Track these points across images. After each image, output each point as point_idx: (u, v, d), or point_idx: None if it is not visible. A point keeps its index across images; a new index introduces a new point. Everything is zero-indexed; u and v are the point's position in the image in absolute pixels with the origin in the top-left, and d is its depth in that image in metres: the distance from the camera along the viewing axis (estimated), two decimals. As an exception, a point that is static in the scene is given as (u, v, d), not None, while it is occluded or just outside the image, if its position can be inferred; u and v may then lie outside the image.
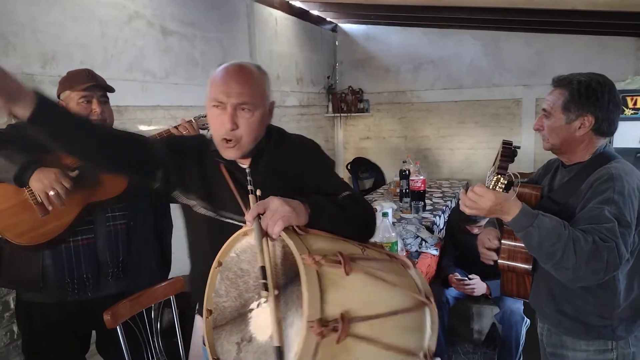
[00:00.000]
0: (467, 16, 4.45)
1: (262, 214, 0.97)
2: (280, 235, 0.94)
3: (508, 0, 3.86)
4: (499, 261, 1.46)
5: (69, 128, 1.11)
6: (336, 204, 1.12)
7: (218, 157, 1.26)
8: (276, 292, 0.87)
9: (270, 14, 4.47)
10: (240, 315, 0.99)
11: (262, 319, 0.93)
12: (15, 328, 2.20)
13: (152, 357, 1.82)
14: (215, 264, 1.05)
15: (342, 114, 5.86)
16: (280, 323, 0.84)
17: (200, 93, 3.97)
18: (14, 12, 2.19)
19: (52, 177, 1.56)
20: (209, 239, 1.26)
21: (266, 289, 0.85)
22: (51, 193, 1.55)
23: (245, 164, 1.28)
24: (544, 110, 1.48)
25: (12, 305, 2.19)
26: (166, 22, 3.18)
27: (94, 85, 1.72)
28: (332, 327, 0.79)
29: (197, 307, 1.56)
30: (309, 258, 0.84)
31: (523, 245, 1.36)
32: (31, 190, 1.60)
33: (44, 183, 1.55)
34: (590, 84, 1.39)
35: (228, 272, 1.04)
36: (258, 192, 1.07)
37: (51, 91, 2.32)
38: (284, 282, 0.90)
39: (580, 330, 1.43)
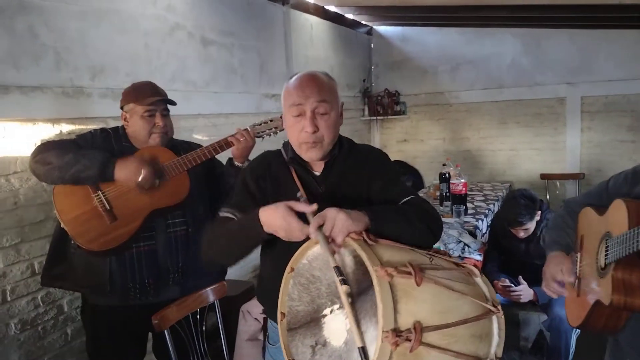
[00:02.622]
0: (506, 15, 4.34)
1: (322, 225, 1.03)
2: (344, 243, 1.00)
3: (550, -3, 3.74)
4: (614, 297, 1.23)
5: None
6: (398, 211, 1.15)
7: (292, 163, 1.32)
8: (349, 299, 0.91)
9: (305, 20, 4.51)
10: (314, 320, 1.04)
11: (335, 325, 0.98)
12: (69, 330, 2.30)
13: (198, 359, 1.87)
14: (288, 269, 1.11)
15: (378, 117, 5.82)
16: (359, 324, 0.89)
17: (239, 101, 4.06)
18: (65, 28, 2.30)
19: (135, 164, 1.67)
20: (277, 245, 1.29)
21: (346, 284, 0.90)
22: (143, 174, 1.65)
23: (317, 171, 1.33)
24: None
25: (66, 309, 2.29)
26: (206, 33, 3.26)
27: (158, 100, 1.79)
28: (406, 336, 0.83)
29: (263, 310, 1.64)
30: (381, 270, 0.87)
31: None
32: (100, 197, 1.69)
33: (128, 171, 1.66)
34: None
35: (300, 277, 1.09)
36: (314, 207, 1.09)
37: (100, 102, 2.43)
38: (356, 291, 0.94)
39: None
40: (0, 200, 2.05)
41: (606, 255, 1.29)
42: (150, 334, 1.96)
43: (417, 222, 1.14)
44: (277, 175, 1.34)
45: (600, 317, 1.32)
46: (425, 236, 1.14)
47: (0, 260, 2.05)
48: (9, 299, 2.07)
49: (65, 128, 2.29)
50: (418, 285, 0.89)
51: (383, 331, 0.81)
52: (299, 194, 1.19)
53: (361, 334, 0.88)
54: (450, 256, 1.11)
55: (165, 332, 1.70)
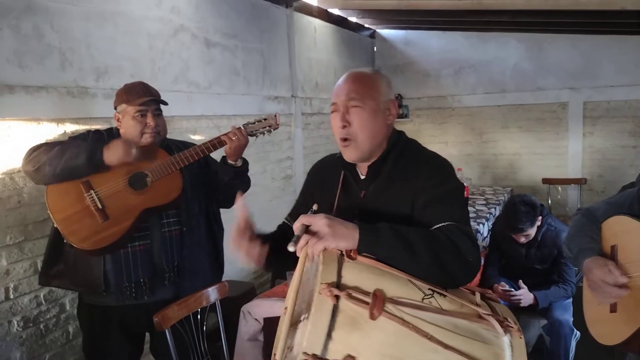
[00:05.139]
0: (508, 19, 4.36)
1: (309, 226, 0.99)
2: (318, 256, 0.93)
3: (553, 3, 3.75)
4: None
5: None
6: (406, 239, 0.99)
7: (340, 164, 1.31)
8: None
9: (309, 23, 4.53)
10: (297, 322, 1.00)
11: (299, 333, 0.92)
12: (70, 329, 2.32)
13: (199, 359, 1.87)
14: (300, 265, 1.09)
15: (381, 121, 5.83)
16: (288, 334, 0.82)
17: (242, 102, 4.06)
18: (70, 29, 2.32)
19: (122, 144, 1.68)
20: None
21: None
22: (133, 153, 1.67)
23: (364, 174, 1.29)
24: None
25: (68, 307, 2.31)
26: (209, 34, 3.28)
27: (149, 100, 1.80)
28: None
29: None
30: (326, 289, 0.79)
31: None
32: (92, 196, 1.70)
33: (118, 152, 1.67)
34: None
35: (304, 276, 1.06)
36: (314, 207, 1.08)
37: (104, 103, 2.45)
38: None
39: None
40: (4, 198, 2.07)
41: None
42: (147, 335, 1.97)
43: (428, 257, 0.98)
44: (326, 180, 1.35)
45: None
46: (434, 275, 0.97)
47: (4, 258, 2.07)
48: (11, 296, 2.09)
49: (70, 128, 2.31)
50: (373, 318, 0.77)
51: (304, 352, 0.74)
52: (314, 207, 1.13)
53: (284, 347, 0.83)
54: (489, 306, 0.91)
55: (166, 331, 1.71)
